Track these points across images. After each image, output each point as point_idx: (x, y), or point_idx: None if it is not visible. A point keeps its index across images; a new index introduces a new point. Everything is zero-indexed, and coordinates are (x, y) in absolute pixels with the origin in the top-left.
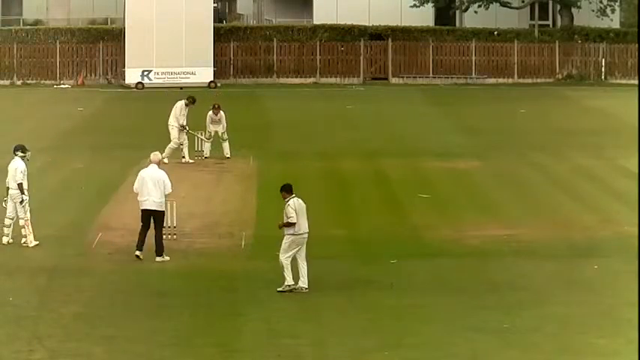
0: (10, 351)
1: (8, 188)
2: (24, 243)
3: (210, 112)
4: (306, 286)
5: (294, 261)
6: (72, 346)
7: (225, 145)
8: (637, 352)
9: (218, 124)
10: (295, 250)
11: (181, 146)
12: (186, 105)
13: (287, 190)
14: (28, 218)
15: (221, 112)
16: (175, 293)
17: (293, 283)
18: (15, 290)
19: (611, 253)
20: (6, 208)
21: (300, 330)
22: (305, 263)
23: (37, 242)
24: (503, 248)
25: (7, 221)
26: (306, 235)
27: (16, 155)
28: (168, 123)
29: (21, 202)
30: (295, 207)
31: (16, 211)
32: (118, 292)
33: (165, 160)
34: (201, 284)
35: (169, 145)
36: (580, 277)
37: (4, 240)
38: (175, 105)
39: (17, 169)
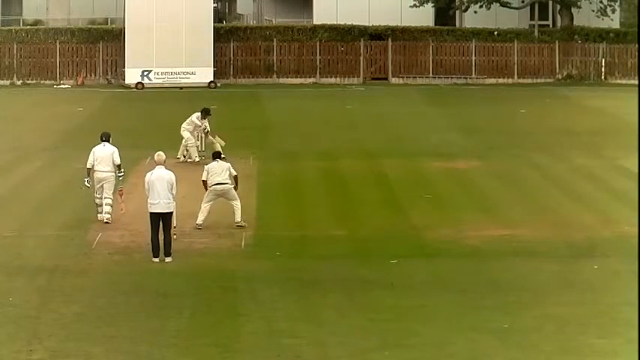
0: (10, 351)
1: (90, 170)
2: (103, 219)
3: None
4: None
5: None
6: (72, 346)
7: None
8: (637, 352)
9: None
10: (213, 197)
11: (190, 146)
12: (204, 118)
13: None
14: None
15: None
16: (175, 293)
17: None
18: (15, 290)
19: (611, 253)
20: (90, 188)
21: (300, 330)
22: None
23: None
24: (504, 248)
25: (106, 200)
26: (218, 187)
27: (105, 142)
28: (182, 127)
29: (120, 177)
30: (208, 169)
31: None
32: (118, 292)
33: (197, 159)
34: (201, 284)
35: (189, 146)
36: (580, 277)
37: (102, 217)
38: (194, 118)
39: (115, 152)
